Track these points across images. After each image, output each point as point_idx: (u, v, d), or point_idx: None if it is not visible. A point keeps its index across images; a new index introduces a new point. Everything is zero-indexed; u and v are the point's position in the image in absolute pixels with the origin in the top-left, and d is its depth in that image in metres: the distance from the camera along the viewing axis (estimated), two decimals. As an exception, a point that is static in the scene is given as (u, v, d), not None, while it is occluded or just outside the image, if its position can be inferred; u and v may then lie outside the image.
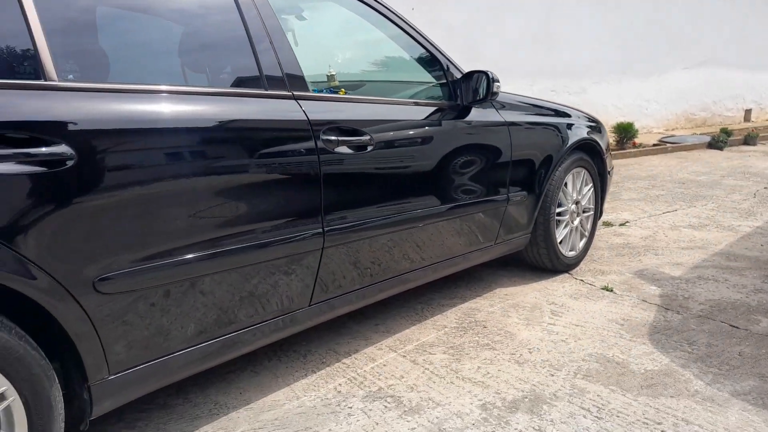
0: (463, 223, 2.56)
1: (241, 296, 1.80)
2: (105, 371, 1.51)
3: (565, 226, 3.18)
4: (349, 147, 2.00)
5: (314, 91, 2.12)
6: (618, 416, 1.91)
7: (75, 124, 1.37)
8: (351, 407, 1.99)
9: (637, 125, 8.33)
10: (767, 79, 11.40)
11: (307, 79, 1.95)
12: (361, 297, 2.25)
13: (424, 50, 2.46)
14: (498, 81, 2.39)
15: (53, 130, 1.34)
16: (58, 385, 1.44)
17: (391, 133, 2.16)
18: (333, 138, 1.94)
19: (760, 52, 11.07)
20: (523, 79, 7.60)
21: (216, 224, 1.66)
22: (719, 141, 8.37)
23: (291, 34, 2.23)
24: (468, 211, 2.54)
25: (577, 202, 3.23)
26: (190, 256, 1.60)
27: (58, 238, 1.36)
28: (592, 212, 3.38)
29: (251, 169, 1.72)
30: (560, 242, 3.14)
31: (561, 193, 3.08)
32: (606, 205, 3.81)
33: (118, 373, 1.54)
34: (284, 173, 1.80)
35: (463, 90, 2.47)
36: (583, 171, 3.23)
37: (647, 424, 1.87)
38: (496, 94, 2.42)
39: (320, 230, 1.95)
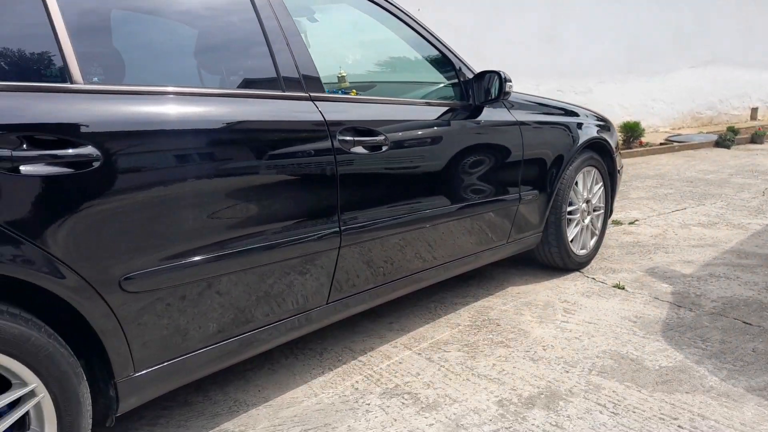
0: (475, 222, 2.58)
1: (259, 295, 1.83)
2: (130, 368, 1.54)
3: (576, 224, 3.20)
4: (364, 147, 2.02)
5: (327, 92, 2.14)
6: (634, 412, 1.93)
7: (100, 125, 1.40)
8: (369, 404, 2.01)
9: (643, 124, 8.33)
10: (774, 78, 11.37)
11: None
12: (376, 295, 2.27)
13: (436, 51, 2.48)
14: (510, 81, 2.41)
15: (80, 131, 1.37)
16: (86, 382, 1.46)
17: (405, 133, 2.18)
18: (349, 138, 1.96)
19: (766, 50, 11.05)
20: (529, 79, 7.61)
21: (236, 224, 1.69)
22: (726, 139, 8.36)
23: (303, 36, 2.26)
24: (481, 210, 2.56)
25: (587, 201, 3.24)
26: (211, 255, 1.63)
27: (85, 237, 1.38)
28: (602, 211, 3.39)
29: (271, 170, 1.75)
30: (571, 241, 3.16)
31: (572, 192, 3.09)
32: (615, 204, 3.82)
33: (143, 370, 1.57)
34: (302, 174, 1.83)
35: (475, 90, 2.49)
36: (594, 170, 3.25)
37: (663, 419, 1.88)
38: (508, 93, 2.44)
39: (337, 229, 1.97)
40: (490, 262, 2.89)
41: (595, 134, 3.17)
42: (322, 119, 1.89)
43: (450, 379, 2.16)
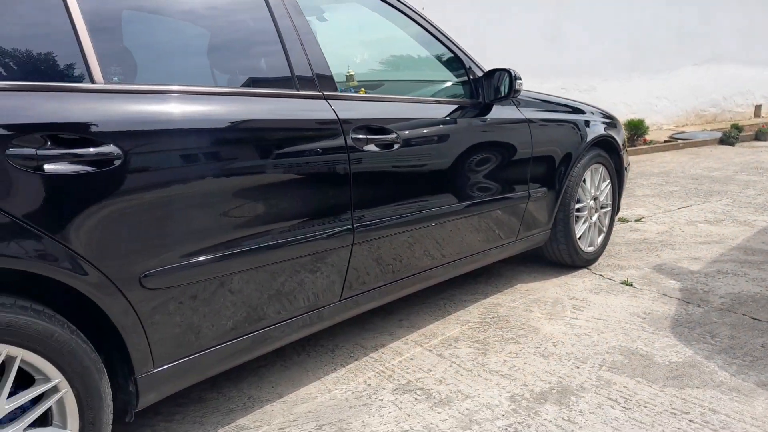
0: (485, 220, 2.59)
1: (274, 292, 1.85)
2: (150, 364, 1.56)
3: (584, 221, 3.21)
4: (377, 145, 2.04)
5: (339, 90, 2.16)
6: (646, 407, 1.94)
7: (121, 124, 1.42)
8: (382, 399, 2.03)
9: (647, 122, 8.34)
10: (778, 75, 11.36)
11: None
12: (388, 292, 2.29)
13: (446, 49, 2.50)
14: (520, 78, 2.43)
15: (101, 130, 1.39)
16: (107, 378, 1.48)
17: (416, 131, 2.20)
18: (362, 137, 1.98)
19: (770, 47, 11.04)
20: (533, 77, 7.60)
21: (252, 221, 1.71)
22: (730, 137, 8.36)
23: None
24: (490, 207, 2.58)
25: (595, 198, 3.26)
26: (228, 252, 1.65)
27: (106, 235, 1.40)
28: (609, 208, 3.41)
29: (285, 168, 1.77)
30: (579, 238, 3.17)
31: (580, 190, 3.11)
32: (621, 201, 3.83)
33: (162, 366, 1.59)
34: (316, 172, 1.85)
35: (485, 88, 2.51)
36: (601, 167, 3.26)
37: (675, 414, 1.90)
38: (518, 91, 2.45)
39: (350, 227, 1.99)
40: (499, 259, 2.91)
41: (602, 131, 3.18)
42: (336, 118, 1.91)
43: (462, 375, 2.18)
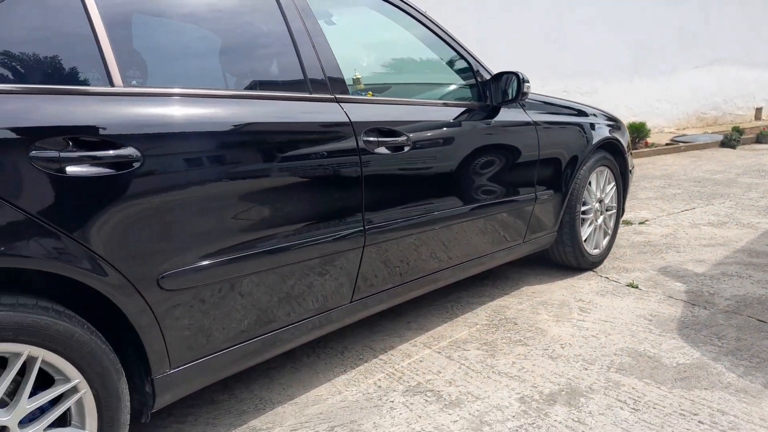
0: (493, 222, 2.61)
1: (287, 294, 1.86)
2: (167, 365, 1.57)
3: (590, 224, 3.23)
4: (387, 148, 2.05)
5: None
6: (655, 408, 1.96)
7: (140, 127, 1.44)
8: (393, 401, 2.04)
9: (648, 125, 8.37)
10: (778, 78, 11.40)
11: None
12: (397, 294, 2.30)
13: (454, 52, 2.52)
14: (528, 81, 2.45)
15: (121, 133, 1.40)
16: (125, 378, 1.50)
17: (426, 134, 2.21)
18: (373, 139, 2.00)
19: (770, 50, 11.08)
20: (535, 80, 7.60)
21: (267, 223, 1.72)
22: (732, 139, 8.39)
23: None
24: (498, 210, 2.59)
25: (600, 201, 3.28)
26: (244, 254, 1.67)
27: (125, 236, 1.42)
28: (614, 210, 3.43)
29: (299, 170, 1.78)
30: (585, 240, 3.19)
31: (586, 192, 3.13)
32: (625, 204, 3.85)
33: (179, 367, 1.60)
34: (329, 174, 1.86)
35: (493, 90, 2.53)
36: (606, 170, 3.28)
37: (684, 415, 1.91)
38: (526, 94, 2.47)
39: (361, 229, 2.00)
40: (505, 262, 2.93)
41: (607, 134, 3.20)
42: (348, 120, 1.92)
43: (471, 377, 2.19)
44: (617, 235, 3.64)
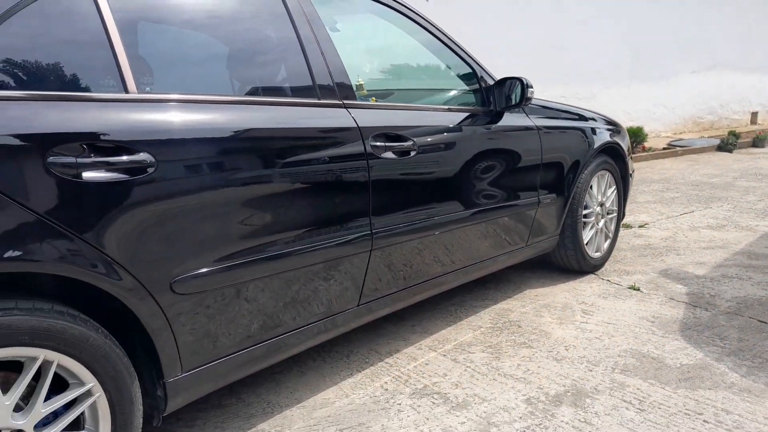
0: (496, 226, 2.63)
1: (296, 297, 1.88)
2: (178, 369, 1.59)
3: (591, 227, 3.26)
4: (394, 152, 2.08)
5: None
6: (660, 408, 1.98)
7: (154, 133, 1.46)
8: (400, 404, 2.06)
9: (645, 129, 8.42)
10: (773, 82, 11.49)
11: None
12: (403, 298, 2.32)
13: (458, 59, 2.55)
14: (532, 87, 2.47)
15: (136, 139, 1.42)
16: (138, 382, 1.51)
17: (432, 139, 2.24)
18: (380, 144, 2.02)
19: (765, 55, 11.17)
20: (534, 85, 7.67)
21: (277, 227, 1.74)
22: (728, 144, 8.45)
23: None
24: (501, 213, 2.62)
25: (601, 204, 3.30)
26: (256, 257, 1.69)
27: (139, 240, 1.44)
28: (615, 214, 3.45)
29: (309, 175, 1.80)
30: (587, 244, 3.21)
31: (587, 196, 3.15)
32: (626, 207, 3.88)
33: (190, 370, 1.62)
34: (338, 178, 1.89)
35: (496, 96, 2.55)
36: (607, 173, 3.31)
37: (689, 414, 1.93)
38: (530, 99, 2.50)
39: (369, 232, 2.02)
40: (507, 265, 2.95)
41: (608, 138, 3.23)
42: (356, 125, 1.95)
43: (477, 379, 2.21)
44: (618, 238, 3.66)
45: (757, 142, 8.94)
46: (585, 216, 3.19)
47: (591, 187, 3.18)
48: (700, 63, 10.23)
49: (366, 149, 1.96)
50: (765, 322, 2.62)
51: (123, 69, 1.46)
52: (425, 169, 2.21)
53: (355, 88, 2.78)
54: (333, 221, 1.90)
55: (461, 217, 2.41)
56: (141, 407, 1.53)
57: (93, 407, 1.44)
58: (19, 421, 1.32)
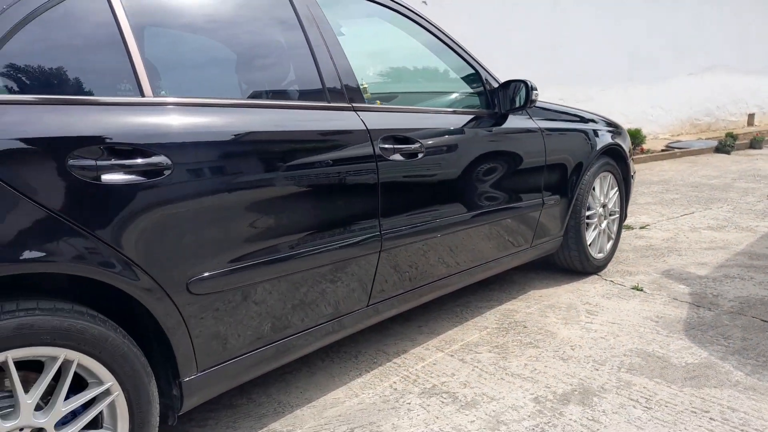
0: (502, 227, 2.66)
1: (307, 297, 1.90)
2: (194, 368, 1.60)
3: (594, 228, 3.28)
4: (402, 155, 2.10)
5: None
6: (667, 406, 2.00)
7: (170, 136, 1.48)
8: (409, 403, 2.08)
9: (643, 131, 8.47)
10: (770, 84, 11.56)
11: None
12: (411, 298, 2.34)
13: (463, 62, 2.57)
14: (536, 89, 2.50)
15: (153, 142, 1.45)
16: (155, 381, 1.53)
17: (438, 141, 2.26)
18: (389, 146, 2.04)
19: (762, 57, 11.24)
20: (533, 88, 7.71)
21: (290, 228, 1.77)
22: (726, 145, 8.50)
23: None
24: (507, 215, 2.64)
25: (604, 206, 3.33)
26: (269, 258, 1.71)
27: (157, 242, 1.46)
28: (617, 215, 3.48)
29: (320, 177, 1.83)
30: (590, 245, 3.24)
31: (590, 197, 3.18)
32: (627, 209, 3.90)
33: (205, 370, 1.64)
34: (348, 180, 1.91)
35: (501, 98, 2.58)
36: (609, 175, 3.34)
37: (695, 412, 1.96)
38: (534, 101, 2.53)
39: (378, 233, 2.05)
40: (514, 266, 2.97)
41: (610, 140, 3.26)
42: (365, 128, 1.97)
43: (485, 379, 2.23)
44: (620, 239, 3.69)
45: (754, 144, 8.99)
46: (588, 217, 3.22)
47: (594, 188, 3.21)
48: (697, 65, 10.29)
49: (375, 151, 1.99)
50: (768, 322, 2.65)
51: (139, 73, 1.48)
52: (433, 172, 2.23)
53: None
54: (343, 223, 1.93)
55: (468, 219, 2.43)
56: (158, 406, 1.55)
57: (111, 406, 1.46)
58: (41, 419, 1.34)
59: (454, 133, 2.35)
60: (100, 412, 1.46)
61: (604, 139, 3.22)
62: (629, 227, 4.40)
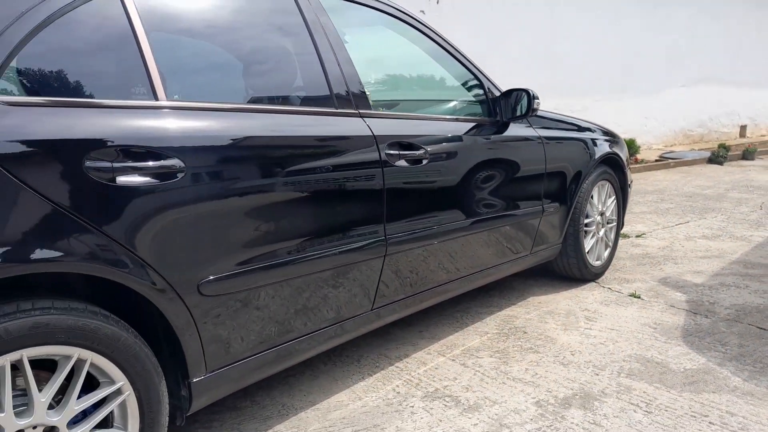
0: (504, 233, 2.69)
1: (315, 300, 1.92)
2: (203, 369, 1.62)
3: (592, 236, 3.32)
4: (407, 161, 2.13)
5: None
6: (666, 410, 2.03)
7: (184, 139, 1.51)
8: (413, 406, 2.10)
9: (637, 142, 8.55)
10: (762, 96, 11.70)
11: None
12: (413, 303, 2.37)
13: (466, 70, 2.61)
14: (538, 98, 2.54)
15: (167, 145, 1.47)
16: (165, 381, 1.55)
17: (442, 147, 2.29)
18: (394, 152, 2.08)
19: (754, 70, 11.38)
20: (529, 97, 7.77)
21: (298, 232, 1.79)
22: (719, 156, 8.59)
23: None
24: (508, 221, 2.68)
25: (602, 214, 3.37)
26: (276, 261, 1.73)
27: (168, 243, 1.48)
28: (614, 223, 3.52)
29: (330, 182, 1.86)
30: (588, 252, 3.28)
31: (588, 205, 3.22)
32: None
33: (214, 371, 1.65)
34: (355, 185, 1.94)
35: (503, 107, 2.62)
36: (607, 183, 3.38)
37: (695, 416, 1.99)
38: (536, 110, 2.57)
39: (383, 238, 2.07)
40: (513, 272, 3.00)
41: (608, 149, 3.31)
42: (371, 134, 2.00)
43: (487, 383, 2.25)
44: (617, 247, 3.73)
45: (746, 155, 9.09)
46: (586, 225, 3.26)
47: (592, 196, 3.25)
48: (690, 77, 10.41)
49: (381, 157, 2.02)
50: (764, 329, 2.69)
51: (153, 77, 1.51)
52: (436, 178, 2.26)
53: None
54: (350, 227, 1.95)
55: (470, 225, 2.46)
56: (167, 406, 1.56)
57: (122, 405, 1.47)
58: (54, 418, 1.35)
59: (457, 141, 2.38)
60: (111, 412, 1.47)
61: (602, 148, 3.27)
62: (625, 236, 4.45)
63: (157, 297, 1.47)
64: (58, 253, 1.28)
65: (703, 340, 2.58)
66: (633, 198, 6.00)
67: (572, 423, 1.97)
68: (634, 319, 2.84)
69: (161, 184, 1.45)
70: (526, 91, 2.54)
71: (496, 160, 2.56)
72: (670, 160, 8.36)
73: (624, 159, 3.49)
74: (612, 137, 3.47)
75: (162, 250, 1.47)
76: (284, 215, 1.74)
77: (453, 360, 2.46)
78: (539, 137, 2.82)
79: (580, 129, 3.22)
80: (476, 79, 2.65)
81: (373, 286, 2.12)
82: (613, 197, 3.47)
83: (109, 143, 1.37)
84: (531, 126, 2.83)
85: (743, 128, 11.50)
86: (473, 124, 2.53)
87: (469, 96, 2.72)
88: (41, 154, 1.28)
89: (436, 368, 2.39)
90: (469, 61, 2.63)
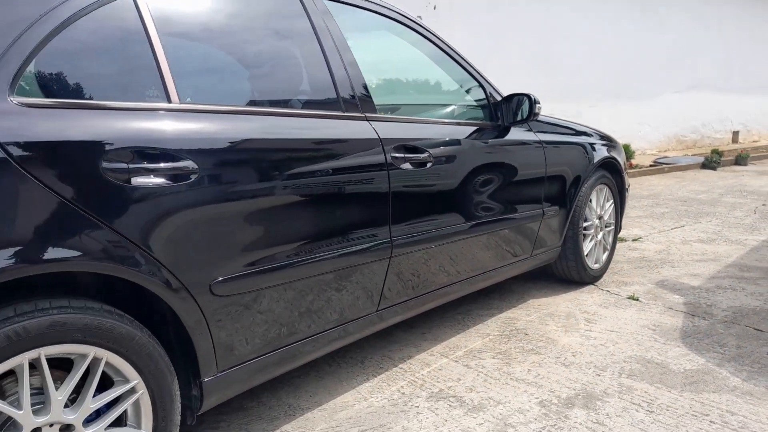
0: (505, 236, 2.72)
1: (322, 301, 1.94)
2: (214, 369, 1.64)
3: (591, 239, 3.36)
4: (411, 164, 2.16)
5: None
6: (668, 410, 2.06)
7: (197, 141, 1.53)
8: (418, 406, 2.12)
9: (632, 147, 8.63)
10: (754, 103, 11.83)
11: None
12: (418, 304, 2.39)
13: (468, 75, 2.65)
14: (539, 103, 2.58)
15: (180, 147, 1.49)
16: (177, 380, 1.56)
17: (445, 151, 2.33)
18: (399, 155, 2.11)
19: (746, 76, 11.51)
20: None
21: (308, 233, 1.82)
22: (712, 161, 8.68)
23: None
24: (509, 224, 2.71)
25: (600, 217, 3.41)
26: (286, 262, 1.75)
27: (182, 243, 1.50)
28: (612, 227, 3.57)
29: (339, 184, 1.88)
30: (587, 255, 3.31)
31: (587, 209, 3.26)
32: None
33: (225, 370, 1.67)
34: (362, 187, 1.96)
35: (504, 111, 2.66)
36: (605, 187, 3.43)
37: (696, 415, 2.02)
38: (537, 114, 2.61)
39: (388, 240, 2.10)
40: (514, 275, 3.03)
41: (606, 153, 3.35)
42: (377, 137, 2.03)
43: (490, 384, 2.28)
44: (615, 250, 3.77)
45: (739, 160, 9.19)
46: (585, 228, 3.29)
47: (591, 200, 3.29)
48: (683, 83, 10.52)
49: (387, 160, 2.05)
50: (761, 330, 2.73)
51: (167, 81, 1.53)
52: (440, 181, 2.30)
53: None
54: (357, 228, 1.98)
55: (471, 228, 2.49)
56: (179, 405, 1.58)
57: (136, 404, 1.49)
58: (70, 416, 1.37)
59: (460, 144, 2.41)
60: (125, 410, 1.49)
61: (601, 152, 3.31)
62: (623, 239, 4.49)
63: (171, 297, 1.49)
64: (76, 253, 1.30)
65: (701, 342, 2.62)
66: (628, 202, 6.03)
67: (576, 422, 2.00)
68: (633, 321, 2.87)
69: (175, 185, 1.47)
70: (527, 95, 2.58)
71: (498, 164, 2.59)
72: (664, 165, 8.44)
73: (622, 163, 3.54)
74: (610, 142, 3.52)
75: (176, 250, 1.49)
76: (293, 217, 1.77)
77: (456, 361, 2.48)
78: (540, 141, 2.86)
79: (579, 133, 3.27)
80: (478, 84, 2.68)
81: (378, 288, 2.14)
82: (611, 201, 3.51)
83: (124, 145, 1.39)
84: (531, 130, 2.87)
85: (736, 134, 11.62)
86: (475, 127, 2.56)
87: (471, 100, 2.76)
88: (59, 155, 1.30)
89: (439, 369, 2.41)
90: (471, 66, 2.67)
